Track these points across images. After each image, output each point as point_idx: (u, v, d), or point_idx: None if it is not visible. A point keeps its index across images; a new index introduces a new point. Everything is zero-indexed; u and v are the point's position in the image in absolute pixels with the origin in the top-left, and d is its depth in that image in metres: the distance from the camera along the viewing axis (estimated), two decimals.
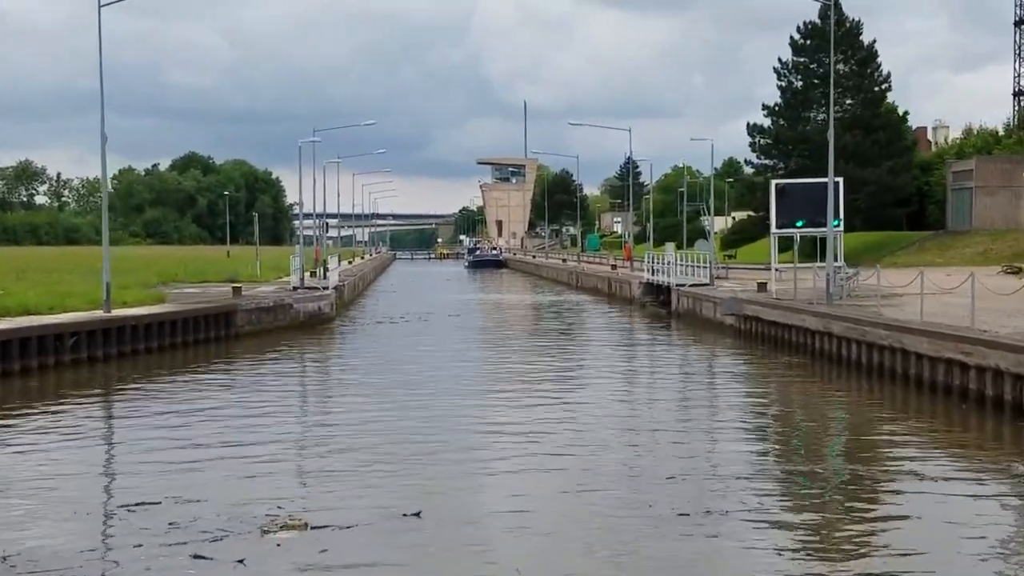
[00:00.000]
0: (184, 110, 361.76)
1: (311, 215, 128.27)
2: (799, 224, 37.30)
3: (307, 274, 58.62)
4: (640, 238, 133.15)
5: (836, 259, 42.60)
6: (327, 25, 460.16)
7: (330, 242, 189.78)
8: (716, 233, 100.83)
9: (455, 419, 21.07)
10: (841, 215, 36.25)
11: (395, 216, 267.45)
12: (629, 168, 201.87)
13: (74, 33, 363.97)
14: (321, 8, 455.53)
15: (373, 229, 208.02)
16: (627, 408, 23.33)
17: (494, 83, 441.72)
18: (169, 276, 56.05)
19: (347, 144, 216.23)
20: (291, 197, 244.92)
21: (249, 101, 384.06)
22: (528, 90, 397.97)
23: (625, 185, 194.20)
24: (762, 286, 42.85)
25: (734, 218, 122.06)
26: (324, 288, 47.23)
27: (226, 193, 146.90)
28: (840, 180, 36.63)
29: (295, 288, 46.76)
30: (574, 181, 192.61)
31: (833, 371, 28.39)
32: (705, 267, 50.82)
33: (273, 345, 36.06)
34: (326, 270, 51.18)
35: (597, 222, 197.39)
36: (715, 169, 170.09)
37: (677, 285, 48.59)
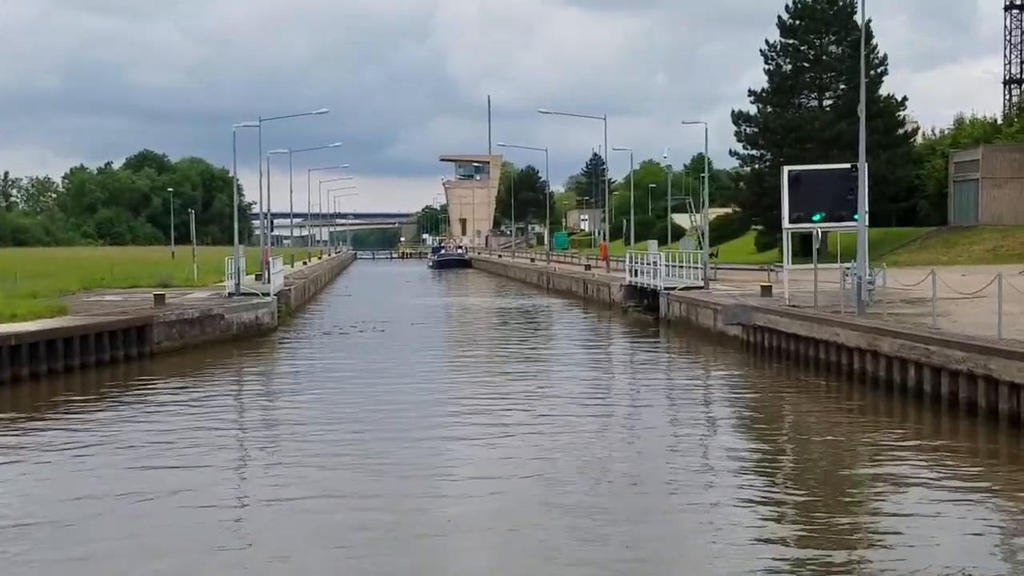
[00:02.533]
0: (149, 110, 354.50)
1: (281, 215, 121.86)
2: (816, 218, 31.70)
3: (252, 277, 52.79)
4: (612, 235, 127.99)
5: (847, 259, 37.40)
6: (291, 25, 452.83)
7: (288, 242, 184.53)
8: (695, 230, 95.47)
9: (411, 491, 15.28)
10: (866, 207, 30.67)
11: (358, 215, 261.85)
12: (602, 161, 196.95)
13: (33, 32, 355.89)
14: (285, 8, 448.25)
15: (333, 229, 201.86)
16: (621, 461, 17.62)
17: (458, 82, 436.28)
18: (94, 281, 49.92)
19: (309, 144, 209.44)
20: (250, 196, 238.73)
21: (213, 101, 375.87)
22: (492, 89, 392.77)
23: (594, 181, 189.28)
24: (767, 290, 37.33)
25: (691, 219, 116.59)
26: (264, 294, 41.22)
27: (170, 190, 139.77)
28: (866, 166, 31.11)
29: (230, 295, 40.76)
30: (540, 178, 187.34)
31: (882, 401, 22.74)
32: (697, 268, 45.28)
33: (193, 366, 30.11)
34: (269, 273, 45.24)
35: (564, 220, 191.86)
36: (685, 166, 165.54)
37: (666, 289, 42.94)
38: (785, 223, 32.33)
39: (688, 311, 38.84)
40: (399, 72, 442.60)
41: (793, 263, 59.24)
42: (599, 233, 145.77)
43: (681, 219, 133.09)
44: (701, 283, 42.73)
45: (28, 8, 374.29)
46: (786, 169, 32.30)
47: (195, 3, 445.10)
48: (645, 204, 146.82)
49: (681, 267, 47.41)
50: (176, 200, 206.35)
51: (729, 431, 20.48)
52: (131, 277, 51.78)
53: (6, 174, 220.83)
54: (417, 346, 35.69)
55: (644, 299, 47.27)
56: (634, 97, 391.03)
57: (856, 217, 31.45)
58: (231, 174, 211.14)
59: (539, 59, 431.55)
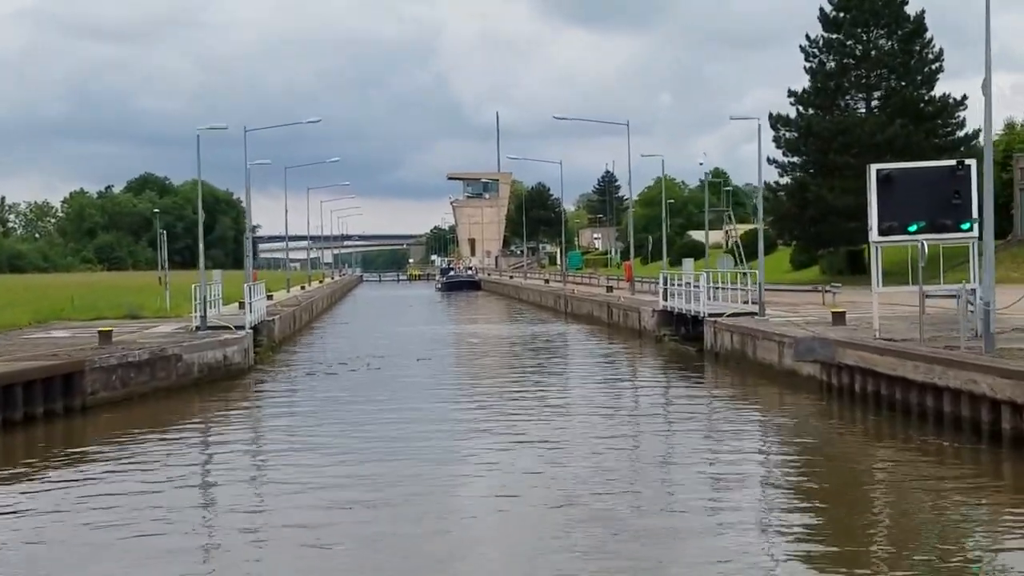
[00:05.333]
0: (154, 136, 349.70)
1: (290, 237, 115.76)
2: (913, 229, 25.22)
3: (235, 305, 46.63)
4: (626, 255, 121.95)
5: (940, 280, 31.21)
6: (294, 51, 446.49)
7: (296, 265, 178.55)
8: (723, 248, 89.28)
9: None
10: (979, 214, 24.31)
11: (366, 237, 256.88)
12: (615, 178, 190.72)
13: (36, 60, 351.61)
14: (288, 34, 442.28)
15: (338, 251, 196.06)
16: None
17: (462, 105, 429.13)
18: (52, 313, 43.72)
19: (313, 168, 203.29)
20: (256, 218, 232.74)
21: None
22: (496, 111, 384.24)
23: (607, 199, 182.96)
24: (839, 316, 30.94)
25: (728, 232, 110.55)
26: (238, 327, 34.87)
27: (156, 211, 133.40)
28: (972, 164, 24.79)
29: (197, 328, 34.43)
30: (551, 195, 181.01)
31: None
32: (742, 289, 38.93)
33: (131, 425, 23.69)
34: (250, 302, 38.82)
35: (576, 239, 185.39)
36: (700, 180, 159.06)
37: (711, 315, 36.50)
38: (873, 235, 25.78)
39: (743, 343, 32.35)
40: (403, 96, 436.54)
41: (841, 282, 52.83)
42: (615, 252, 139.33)
43: (701, 236, 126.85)
44: (753, 308, 36.25)
45: (32, 36, 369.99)
46: (874, 168, 25.75)
47: (199, 29, 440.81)
48: (661, 221, 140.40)
49: (725, 289, 41.07)
50: (179, 224, 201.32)
51: (825, 522, 14.02)
52: (95, 308, 45.59)
53: (2, 199, 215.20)
54: (415, 393, 29.16)
55: (682, 327, 40.89)
56: (639, 117, 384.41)
57: (964, 227, 25.22)
58: (235, 196, 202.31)
59: (542, 80, 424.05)
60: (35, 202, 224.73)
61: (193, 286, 36.06)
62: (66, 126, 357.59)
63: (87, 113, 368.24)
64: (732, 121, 44.18)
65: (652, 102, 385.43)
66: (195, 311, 35.39)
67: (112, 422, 24.27)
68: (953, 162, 25.83)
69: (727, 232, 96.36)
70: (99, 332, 29.96)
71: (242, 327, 35.11)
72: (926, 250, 24.64)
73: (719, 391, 29.54)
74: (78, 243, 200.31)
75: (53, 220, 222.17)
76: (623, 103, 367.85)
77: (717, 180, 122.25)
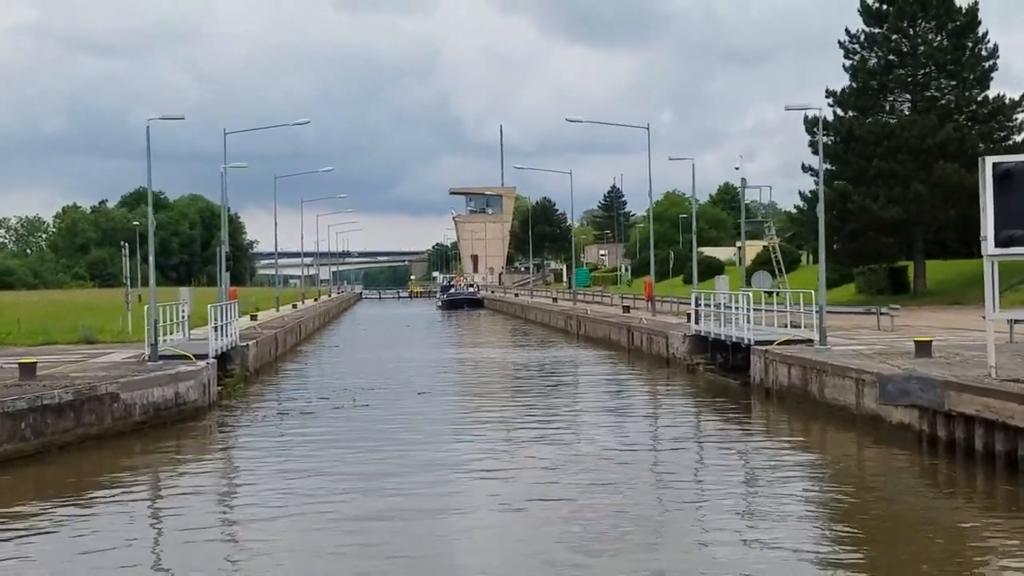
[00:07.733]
0: (154, 151, 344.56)
1: (287, 254, 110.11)
2: None
3: (210, 328, 41.05)
4: (636, 271, 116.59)
5: None
6: (294, 66, 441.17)
7: (296, 282, 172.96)
8: (735, 264, 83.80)
9: None
10: None
11: (367, 254, 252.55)
12: (621, 193, 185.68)
13: (35, 75, 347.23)
14: (288, 48, 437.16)
15: (336, 268, 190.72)
16: None
17: (463, 122, 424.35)
18: None
19: (310, 183, 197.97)
20: (251, 234, 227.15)
21: (216, 141, 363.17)
22: (500, 125, 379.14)
23: (614, 214, 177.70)
24: (924, 346, 25.36)
25: (739, 247, 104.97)
26: (199, 356, 29.27)
27: (136, 223, 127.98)
28: None
29: (148, 359, 28.81)
30: (557, 210, 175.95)
31: None
32: (798, 312, 33.35)
33: (38, 488, 18.23)
34: (221, 324, 33.24)
35: (582, 255, 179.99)
36: (711, 196, 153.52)
37: (758, 343, 30.89)
38: (988, 247, 20.10)
39: (805, 378, 26.70)
40: (404, 111, 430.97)
41: (881, 302, 47.39)
42: (626, 269, 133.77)
43: (713, 252, 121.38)
44: (809, 334, 30.60)
45: (31, 51, 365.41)
46: (989, 161, 20.17)
47: (197, 44, 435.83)
48: (671, 238, 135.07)
49: (768, 311, 35.54)
50: (175, 239, 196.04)
51: None
52: (46, 332, 40.07)
53: None
54: (407, 443, 23.61)
55: (719, 354, 35.40)
56: (641, 133, 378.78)
57: None
58: (233, 211, 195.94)
59: (542, 98, 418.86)
60: (26, 217, 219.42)
61: (146, 307, 30.47)
62: (64, 141, 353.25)
63: (85, 128, 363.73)
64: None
65: (652, 119, 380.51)
66: (147, 338, 29.79)
67: (15, 484, 18.83)
68: None
69: (739, 248, 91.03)
70: (20, 364, 24.37)
71: (204, 355, 29.50)
72: None
73: (778, 438, 23.96)
74: (70, 259, 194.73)
75: (45, 235, 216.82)
76: (624, 120, 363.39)
77: (754, 188, 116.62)
